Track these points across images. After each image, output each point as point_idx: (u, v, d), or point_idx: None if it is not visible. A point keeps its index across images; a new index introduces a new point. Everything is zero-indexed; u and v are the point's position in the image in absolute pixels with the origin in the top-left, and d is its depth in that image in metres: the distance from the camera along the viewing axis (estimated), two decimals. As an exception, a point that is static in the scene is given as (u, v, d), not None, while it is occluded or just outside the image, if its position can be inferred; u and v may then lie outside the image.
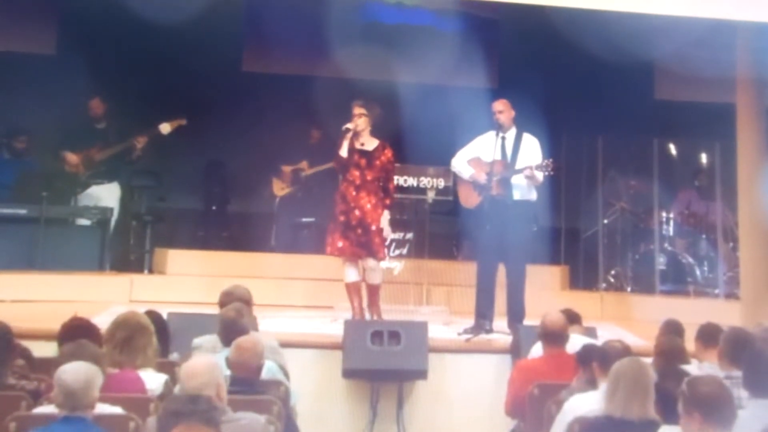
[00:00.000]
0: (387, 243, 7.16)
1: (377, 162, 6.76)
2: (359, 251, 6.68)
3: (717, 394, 3.23)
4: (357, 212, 6.67)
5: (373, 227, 6.66)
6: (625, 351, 4.21)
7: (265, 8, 9.45)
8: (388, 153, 6.81)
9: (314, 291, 8.05)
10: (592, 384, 4.21)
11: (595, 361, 4.21)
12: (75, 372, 3.39)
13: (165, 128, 8.45)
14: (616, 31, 7.15)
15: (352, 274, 6.77)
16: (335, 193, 7.03)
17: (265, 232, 9.26)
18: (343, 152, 6.70)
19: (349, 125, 6.67)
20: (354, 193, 6.71)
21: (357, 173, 6.74)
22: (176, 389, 3.90)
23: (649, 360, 4.35)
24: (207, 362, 3.60)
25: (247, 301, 5.10)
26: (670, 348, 4.64)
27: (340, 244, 6.67)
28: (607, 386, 3.72)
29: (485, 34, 9.99)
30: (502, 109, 6.78)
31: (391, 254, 8.18)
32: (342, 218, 6.69)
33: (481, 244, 6.82)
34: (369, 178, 6.73)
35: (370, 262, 6.75)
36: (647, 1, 6.31)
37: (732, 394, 3.33)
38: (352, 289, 6.80)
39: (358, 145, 6.75)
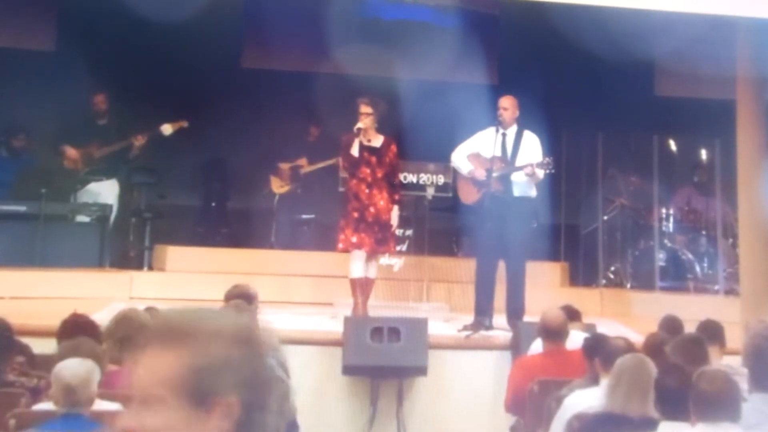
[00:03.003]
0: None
1: (386, 159, 6.81)
2: (378, 248, 6.79)
3: (717, 391, 3.23)
4: (372, 209, 6.75)
5: (388, 223, 6.79)
6: (629, 348, 4.21)
7: (264, 4, 9.43)
8: (394, 148, 6.88)
9: (314, 287, 8.05)
10: (594, 380, 4.21)
11: (598, 357, 4.21)
12: (73, 369, 3.38)
13: (166, 129, 8.46)
14: (616, 27, 7.13)
15: (359, 269, 6.79)
16: (337, 189, 7.02)
17: (264, 229, 9.25)
18: (355, 151, 6.73)
19: (360, 125, 6.70)
20: (367, 191, 6.76)
21: (368, 171, 6.78)
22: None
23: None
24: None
25: (250, 298, 5.11)
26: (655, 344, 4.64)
27: (354, 239, 6.71)
28: (609, 382, 3.72)
29: (485, 30, 9.98)
30: (508, 106, 6.77)
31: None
32: (355, 215, 6.74)
33: (480, 241, 6.82)
34: (379, 175, 6.80)
35: (380, 258, 6.85)
36: (647, -2, 6.31)
37: (739, 388, 3.33)
38: (358, 284, 6.81)
39: (365, 142, 6.78)
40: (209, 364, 1.35)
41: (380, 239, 6.77)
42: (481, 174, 6.71)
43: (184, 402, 1.34)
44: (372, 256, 6.84)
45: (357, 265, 6.79)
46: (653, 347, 4.57)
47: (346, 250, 6.84)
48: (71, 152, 8.50)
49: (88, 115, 8.67)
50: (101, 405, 3.55)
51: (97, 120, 8.66)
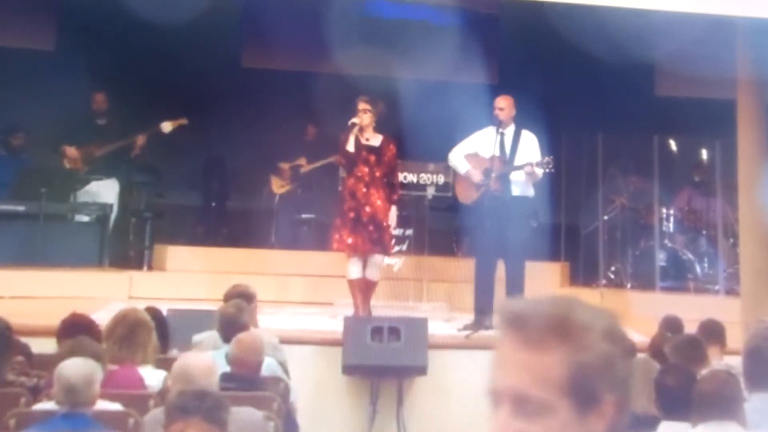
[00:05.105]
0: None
1: (385, 158, 6.78)
2: (373, 248, 6.72)
3: (719, 391, 3.23)
4: (368, 209, 6.69)
5: (384, 224, 6.71)
6: (632, 349, 4.21)
7: (264, 4, 9.43)
8: (393, 148, 6.84)
9: (314, 287, 8.05)
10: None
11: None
12: (75, 368, 3.38)
13: (166, 127, 8.45)
14: (616, 27, 7.13)
15: (356, 271, 6.77)
16: (337, 188, 6.98)
17: (264, 229, 9.25)
18: (350, 147, 6.70)
19: (355, 120, 6.67)
20: (364, 189, 6.72)
21: (366, 169, 6.74)
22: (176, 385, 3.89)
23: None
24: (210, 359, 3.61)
25: (249, 297, 5.11)
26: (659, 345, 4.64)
27: (349, 240, 6.66)
28: None
29: (485, 30, 9.98)
30: (504, 106, 6.77)
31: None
32: (351, 215, 6.69)
33: (480, 241, 6.82)
34: (378, 174, 6.75)
35: (378, 258, 6.80)
36: (647, -2, 6.31)
37: (740, 388, 3.33)
38: (356, 285, 6.79)
39: (363, 141, 6.75)
40: (593, 361, 1.22)
41: (375, 239, 6.69)
42: (478, 176, 6.71)
43: (568, 404, 1.21)
44: (369, 256, 6.81)
45: (353, 266, 6.76)
46: (657, 348, 4.58)
47: (341, 250, 6.81)
48: (71, 152, 8.49)
49: (88, 114, 8.67)
50: (101, 405, 3.55)
51: (96, 120, 8.64)
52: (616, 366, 1.23)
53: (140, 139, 8.44)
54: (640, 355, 3.84)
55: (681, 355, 4.13)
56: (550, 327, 1.22)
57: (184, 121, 8.47)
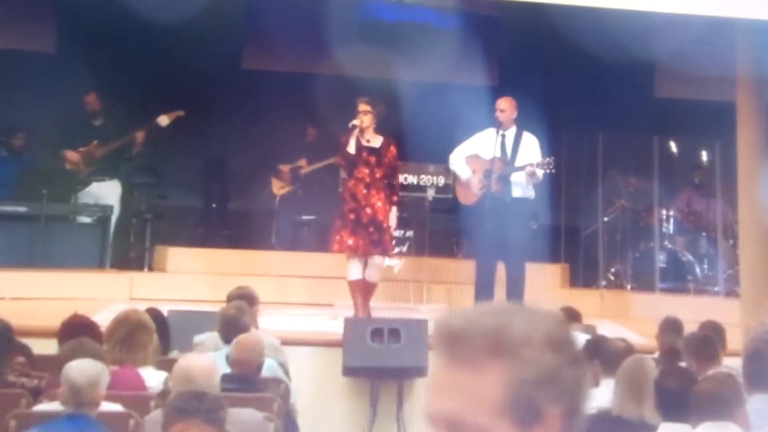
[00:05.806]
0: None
1: (385, 160, 6.78)
2: (372, 249, 6.72)
3: (718, 391, 3.24)
4: (368, 210, 6.69)
5: (385, 225, 6.72)
6: (628, 350, 4.21)
7: (265, 6, 9.45)
8: (393, 149, 6.85)
9: (314, 288, 8.05)
10: (593, 382, 4.21)
11: (598, 359, 4.22)
12: (81, 369, 3.39)
13: (163, 120, 8.43)
14: (617, 28, 7.14)
15: (356, 272, 6.77)
16: (337, 189, 6.99)
17: (265, 230, 9.26)
18: (351, 149, 6.71)
19: (355, 122, 6.67)
20: (365, 191, 6.72)
21: (366, 171, 6.74)
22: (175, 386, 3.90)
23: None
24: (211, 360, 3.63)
25: (252, 299, 5.12)
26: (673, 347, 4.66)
27: (350, 241, 6.67)
28: (615, 385, 3.73)
29: (485, 31, 9.98)
30: (505, 108, 6.78)
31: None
32: (352, 216, 6.70)
33: (480, 242, 6.83)
34: (378, 175, 6.76)
35: (378, 260, 6.80)
36: (647, -1, 6.32)
37: (740, 388, 3.34)
38: (356, 286, 6.80)
39: (364, 142, 6.76)
40: (534, 376, 1.14)
41: (375, 240, 6.70)
42: (476, 186, 6.71)
43: (507, 425, 1.13)
44: (369, 257, 6.81)
45: (353, 267, 6.77)
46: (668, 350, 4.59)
47: (341, 252, 6.82)
48: (72, 155, 8.49)
49: (84, 117, 8.66)
50: (102, 406, 3.55)
51: (92, 121, 8.63)
52: (561, 376, 1.15)
53: (139, 136, 8.43)
54: (630, 358, 3.83)
55: (694, 353, 4.14)
56: (486, 344, 1.14)
57: (180, 113, 8.44)
